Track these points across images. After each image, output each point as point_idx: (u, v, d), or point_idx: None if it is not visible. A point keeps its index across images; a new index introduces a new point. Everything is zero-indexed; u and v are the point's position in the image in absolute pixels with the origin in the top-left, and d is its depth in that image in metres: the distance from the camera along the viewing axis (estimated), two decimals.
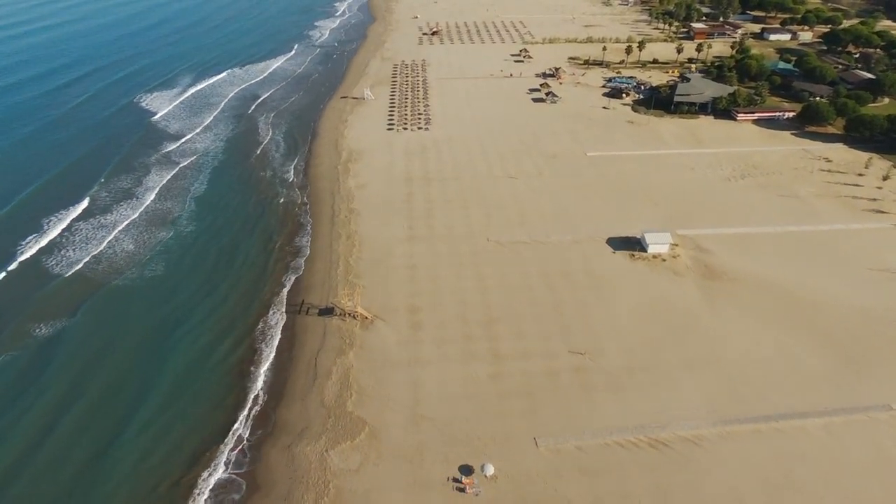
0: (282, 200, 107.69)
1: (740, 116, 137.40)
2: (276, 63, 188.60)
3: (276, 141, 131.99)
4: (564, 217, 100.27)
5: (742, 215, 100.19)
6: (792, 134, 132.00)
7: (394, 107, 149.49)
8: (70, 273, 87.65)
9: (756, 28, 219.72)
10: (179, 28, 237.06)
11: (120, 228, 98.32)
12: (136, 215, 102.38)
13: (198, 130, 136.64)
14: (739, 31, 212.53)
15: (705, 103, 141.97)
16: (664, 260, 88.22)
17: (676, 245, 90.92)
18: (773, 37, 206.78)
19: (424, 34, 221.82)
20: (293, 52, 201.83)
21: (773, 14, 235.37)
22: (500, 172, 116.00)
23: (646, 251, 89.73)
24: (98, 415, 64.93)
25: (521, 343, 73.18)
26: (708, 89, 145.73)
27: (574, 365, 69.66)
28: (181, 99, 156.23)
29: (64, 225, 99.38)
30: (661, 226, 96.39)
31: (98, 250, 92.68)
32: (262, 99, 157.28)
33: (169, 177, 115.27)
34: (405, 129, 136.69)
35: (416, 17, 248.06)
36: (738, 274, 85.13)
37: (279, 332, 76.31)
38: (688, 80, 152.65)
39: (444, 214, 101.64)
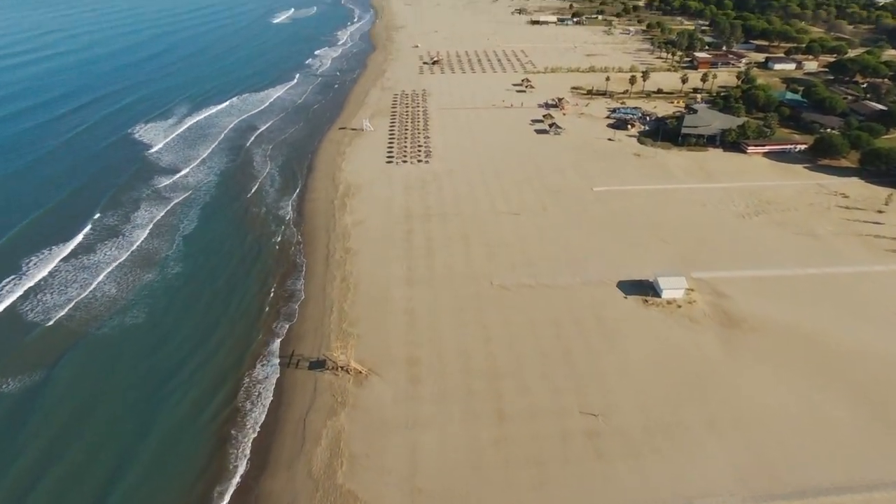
0: (276, 239, 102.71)
1: (751, 149, 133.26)
2: (277, 93, 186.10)
3: (272, 175, 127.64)
4: (572, 257, 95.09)
5: (759, 256, 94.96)
6: (805, 167, 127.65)
7: (393, 138, 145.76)
8: (51, 322, 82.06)
9: (760, 57, 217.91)
10: (182, 57, 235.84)
11: (106, 272, 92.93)
12: (124, 257, 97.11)
13: (194, 164, 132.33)
14: (743, 60, 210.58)
15: (713, 135, 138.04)
16: (679, 306, 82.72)
17: (692, 290, 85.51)
18: (777, 66, 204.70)
19: (425, 63, 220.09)
20: (294, 81, 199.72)
21: (776, 43, 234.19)
22: (503, 208, 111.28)
23: (660, 296, 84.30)
24: (73, 486, 58.86)
25: (528, 400, 67.30)
26: (716, 121, 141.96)
27: (587, 428, 63.66)
28: (179, 131, 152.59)
29: (49, 267, 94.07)
30: (674, 267, 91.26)
31: (82, 296, 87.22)
32: (260, 131, 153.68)
33: (161, 214, 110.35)
34: (405, 161, 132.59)
35: (417, 47, 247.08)
36: (758, 321, 79.51)
37: (268, 388, 70.52)
38: (694, 111, 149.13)
39: (445, 254, 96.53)
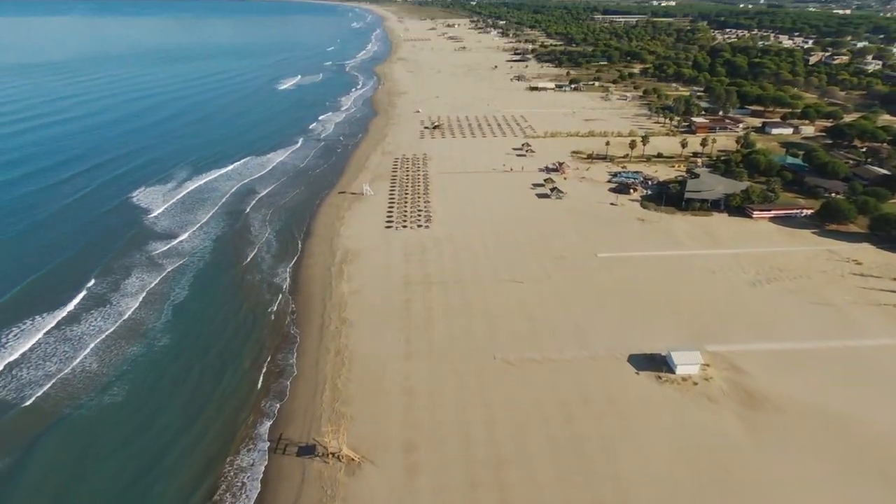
0: (270, 309, 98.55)
1: (756, 214, 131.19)
2: (280, 157, 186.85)
3: (270, 241, 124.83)
4: (578, 329, 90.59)
5: (775, 327, 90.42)
6: (813, 232, 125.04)
7: (393, 203, 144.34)
8: (27, 402, 76.55)
9: (756, 122, 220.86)
10: (188, 123, 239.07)
11: (91, 346, 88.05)
12: (111, 329, 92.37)
13: (191, 230, 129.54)
14: (741, 125, 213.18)
15: (717, 200, 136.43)
16: (696, 383, 77.50)
17: (708, 365, 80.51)
18: (775, 131, 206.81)
19: (426, 128, 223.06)
20: (297, 145, 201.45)
21: (771, 109, 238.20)
22: (505, 275, 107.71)
23: (674, 372, 79.21)
24: None
25: (536, 496, 61.10)
26: (719, 185, 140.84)
27: None
28: (179, 195, 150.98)
29: (33, 340, 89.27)
30: (686, 339, 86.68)
31: (63, 372, 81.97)
32: (260, 195, 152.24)
33: (154, 283, 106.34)
34: (404, 226, 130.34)
35: (418, 112, 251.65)
36: (782, 401, 74.07)
37: (254, 477, 64.76)
38: (697, 175, 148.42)
39: (445, 325, 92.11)
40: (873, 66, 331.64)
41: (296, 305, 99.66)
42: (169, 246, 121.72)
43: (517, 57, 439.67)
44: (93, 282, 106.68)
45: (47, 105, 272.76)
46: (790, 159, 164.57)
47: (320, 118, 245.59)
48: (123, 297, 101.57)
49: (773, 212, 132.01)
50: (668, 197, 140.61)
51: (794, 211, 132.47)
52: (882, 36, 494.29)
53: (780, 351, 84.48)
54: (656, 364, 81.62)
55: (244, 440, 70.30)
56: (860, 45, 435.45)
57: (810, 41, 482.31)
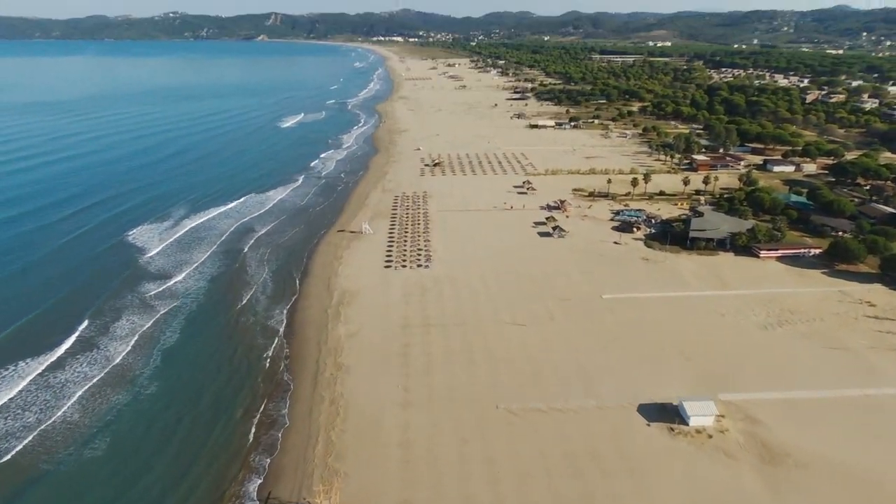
0: (265, 354, 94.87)
1: (763, 253, 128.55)
2: (280, 195, 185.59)
3: (266, 282, 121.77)
4: (584, 375, 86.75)
5: (791, 374, 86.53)
6: (822, 273, 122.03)
7: (392, 241, 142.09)
8: (7, 456, 72.07)
9: (757, 159, 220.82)
10: (189, 161, 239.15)
11: (79, 394, 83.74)
12: (100, 376, 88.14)
13: (187, 270, 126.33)
14: (742, 162, 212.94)
15: (723, 239, 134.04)
16: (710, 436, 73.26)
17: (723, 416, 76.37)
18: (776, 168, 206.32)
19: (426, 165, 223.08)
20: (296, 183, 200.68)
21: (771, 146, 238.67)
22: (507, 318, 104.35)
23: (687, 423, 75.06)
24: None
25: None
26: (724, 224, 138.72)
27: None
28: (176, 235, 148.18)
29: (16, 388, 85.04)
30: (698, 387, 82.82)
31: (46, 424, 77.68)
32: (259, 234, 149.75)
33: (145, 326, 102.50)
34: (404, 266, 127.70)
35: (419, 149, 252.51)
36: (804, 456, 69.71)
37: None
38: (701, 214, 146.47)
39: (445, 371, 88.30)
40: (870, 104, 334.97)
41: (290, 350, 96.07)
42: (163, 287, 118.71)
43: (517, 95, 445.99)
44: (83, 325, 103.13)
45: (51, 143, 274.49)
46: (794, 197, 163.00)
47: (322, 156, 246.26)
48: (113, 342, 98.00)
49: (780, 251, 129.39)
50: (672, 236, 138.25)
51: (802, 250, 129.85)
52: (876, 75, 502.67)
53: (798, 400, 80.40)
54: (668, 414, 77.51)
55: (232, 499, 65.87)
56: (855, 83, 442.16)
57: (806, 80, 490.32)
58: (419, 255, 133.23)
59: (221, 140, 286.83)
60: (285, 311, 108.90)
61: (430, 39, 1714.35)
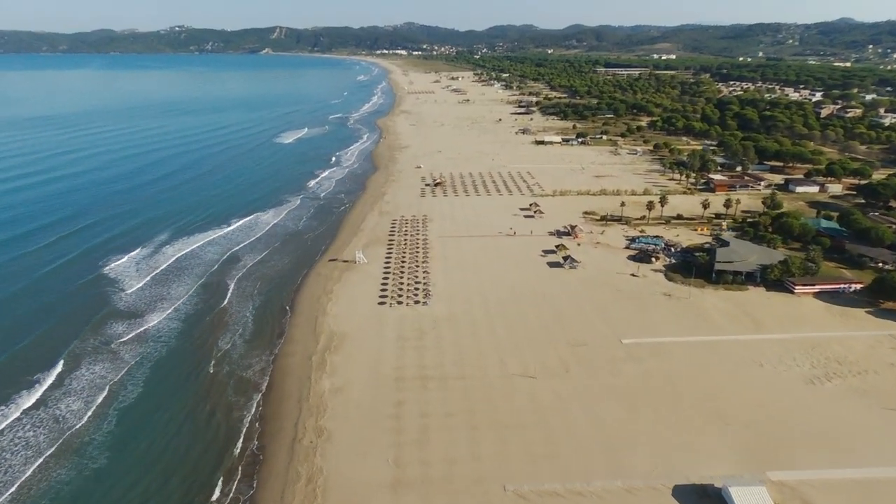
0: (235, 415, 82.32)
1: (798, 288, 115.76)
2: (274, 219, 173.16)
3: (248, 325, 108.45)
4: (607, 445, 73.92)
5: (851, 445, 73.50)
6: (867, 312, 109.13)
7: (388, 273, 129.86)
8: None
9: (777, 179, 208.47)
10: (183, 181, 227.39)
11: (24, 478, 71.65)
12: (50, 451, 75.02)
13: (166, 312, 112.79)
14: (762, 182, 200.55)
15: (752, 272, 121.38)
16: None
17: None
18: (799, 189, 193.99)
19: (427, 185, 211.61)
20: (292, 205, 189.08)
21: (791, 164, 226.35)
22: (515, 368, 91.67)
23: None
24: None
25: None
26: (752, 255, 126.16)
27: None
28: (160, 269, 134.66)
29: None
30: (741, 461, 70.04)
31: None
32: (248, 266, 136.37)
33: (110, 384, 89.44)
34: (400, 302, 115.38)
35: (420, 167, 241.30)
36: None
37: None
38: (726, 243, 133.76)
39: (444, 439, 75.60)
40: (889, 119, 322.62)
41: (267, 409, 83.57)
42: (136, 332, 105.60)
43: (521, 109, 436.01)
44: (41, 382, 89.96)
45: (39, 162, 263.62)
46: (824, 223, 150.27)
47: (320, 175, 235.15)
48: (72, 402, 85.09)
49: (817, 286, 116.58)
50: (696, 267, 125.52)
51: (842, 285, 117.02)
52: (889, 88, 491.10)
53: (865, 481, 67.29)
54: (710, 501, 64.56)
55: None
56: (869, 97, 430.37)
57: (818, 93, 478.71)
58: (417, 289, 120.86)
59: (219, 158, 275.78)
60: (265, 361, 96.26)
61: (434, 53, 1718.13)
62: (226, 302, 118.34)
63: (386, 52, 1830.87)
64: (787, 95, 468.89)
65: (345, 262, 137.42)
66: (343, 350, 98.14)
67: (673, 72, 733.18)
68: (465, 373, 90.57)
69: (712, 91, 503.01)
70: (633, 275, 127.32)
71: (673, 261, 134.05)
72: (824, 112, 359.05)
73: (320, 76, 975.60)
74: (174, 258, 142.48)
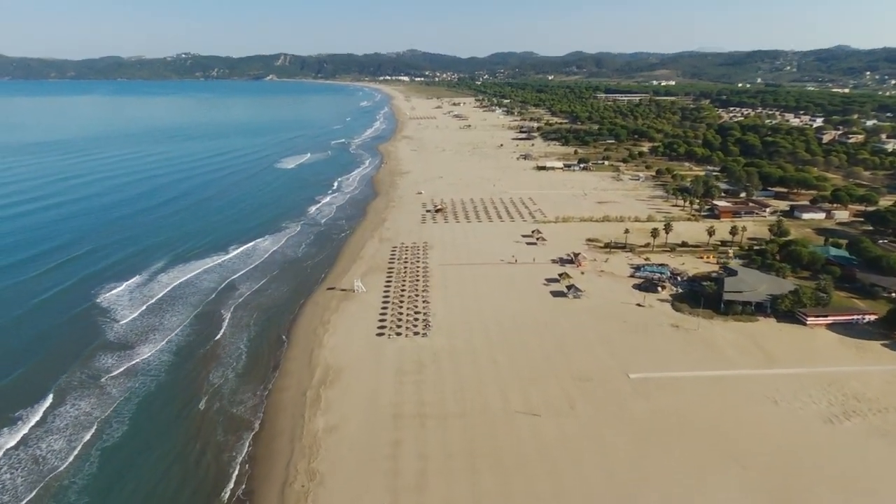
0: (225, 456, 78.46)
1: (810, 320, 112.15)
2: (273, 246, 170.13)
3: (241, 356, 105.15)
4: (618, 491, 69.74)
5: (873, 486, 69.33)
6: (883, 345, 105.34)
7: (387, 302, 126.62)
8: None
9: (783, 205, 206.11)
10: (183, 207, 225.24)
11: None
12: (29, 496, 71.44)
13: (159, 345, 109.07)
14: (767, 209, 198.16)
15: (762, 302, 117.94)
16: None
17: None
18: (805, 215, 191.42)
19: (428, 211, 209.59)
20: (292, 232, 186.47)
21: (795, 190, 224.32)
22: (518, 405, 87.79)
23: None
24: None
25: None
26: (761, 284, 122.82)
27: None
28: (155, 298, 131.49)
29: None
30: None
31: None
32: (245, 295, 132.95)
33: (98, 422, 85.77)
34: (399, 333, 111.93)
35: (421, 193, 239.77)
36: None
37: None
38: (734, 272, 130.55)
39: (443, 484, 71.51)
40: (892, 144, 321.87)
41: (257, 449, 79.69)
42: (127, 366, 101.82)
43: (523, 135, 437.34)
44: (25, 420, 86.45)
45: (41, 188, 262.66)
46: (833, 250, 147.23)
47: (321, 200, 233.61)
48: (56, 443, 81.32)
49: (830, 317, 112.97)
50: (703, 297, 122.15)
51: (855, 316, 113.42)
52: (889, 114, 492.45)
53: None
54: None
55: None
56: (870, 122, 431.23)
57: (818, 119, 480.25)
58: (416, 319, 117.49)
59: (221, 183, 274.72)
60: (259, 395, 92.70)
61: (436, 79, 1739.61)
62: (220, 334, 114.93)
63: (389, 78, 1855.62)
64: (787, 121, 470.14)
65: (343, 290, 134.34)
66: (339, 384, 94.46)
67: (673, 98, 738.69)
68: (465, 410, 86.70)
69: (713, 117, 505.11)
70: (639, 304, 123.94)
71: (679, 290, 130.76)
72: (826, 138, 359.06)
73: (323, 102, 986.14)
74: (170, 287, 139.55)
